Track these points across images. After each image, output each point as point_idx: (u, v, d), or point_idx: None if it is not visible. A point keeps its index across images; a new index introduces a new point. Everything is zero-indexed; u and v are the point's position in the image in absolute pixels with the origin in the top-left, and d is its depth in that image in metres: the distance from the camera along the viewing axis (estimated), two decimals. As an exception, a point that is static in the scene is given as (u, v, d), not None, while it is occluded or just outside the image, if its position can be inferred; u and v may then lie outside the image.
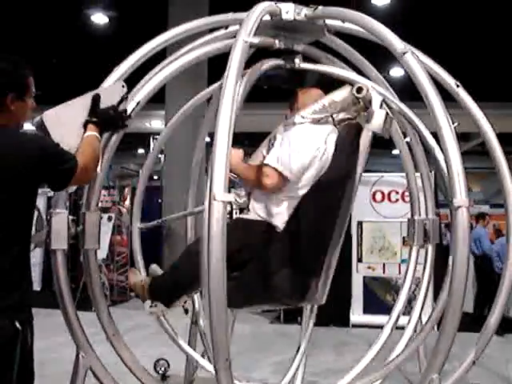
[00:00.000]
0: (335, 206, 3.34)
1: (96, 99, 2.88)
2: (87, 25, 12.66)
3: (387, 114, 3.18)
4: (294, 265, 3.25)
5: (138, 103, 3.07)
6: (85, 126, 2.81)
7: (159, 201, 12.02)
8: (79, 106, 2.90)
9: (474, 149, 20.69)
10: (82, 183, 2.96)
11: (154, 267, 3.76)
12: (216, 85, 3.68)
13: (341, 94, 3.37)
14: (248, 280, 3.25)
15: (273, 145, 3.41)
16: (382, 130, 3.18)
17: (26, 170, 2.43)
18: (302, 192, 3.30)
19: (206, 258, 2.43)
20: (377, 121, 3.18)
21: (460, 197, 2.71)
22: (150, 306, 3.55)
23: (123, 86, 3.03)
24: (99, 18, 12.61)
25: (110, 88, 3.06)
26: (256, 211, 3.36)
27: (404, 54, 2.88)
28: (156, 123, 16.55)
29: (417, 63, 2.88)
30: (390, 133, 3.37)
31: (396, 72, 13.57)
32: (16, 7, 11.03)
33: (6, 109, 2.51)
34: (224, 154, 2.44)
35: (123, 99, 3.00)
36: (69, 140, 2.77)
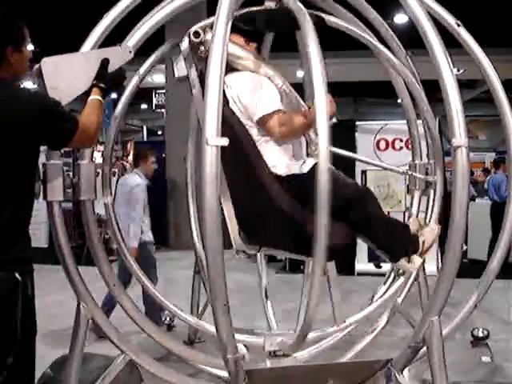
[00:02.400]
0: None
1: (104, 64, 2.87)
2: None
3: None
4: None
5: (130, 51, 3.02)
6: (90, 88, 2.81)
7: (163, 155, 12.00)
8: (80, 62, 2.87)
9: (480, 96, 20.54)
10: (81, 146, 2.94)
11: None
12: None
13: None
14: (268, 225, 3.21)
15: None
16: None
17: (26, 124, 2.42)
18: None
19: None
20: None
21: (459, 137, 2.67)
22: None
23: (130, 52, 3.01)
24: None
25: (116, 50, 3.01)
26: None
27: (401, -12, 2.80)
28: (158, 77, 16.39)
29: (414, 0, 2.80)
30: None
31: (400, 19, 13.30)
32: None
33: (6, 62, 2.51)
34: (216, 97, 2.40)
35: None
36: (62, 92, 2.75)
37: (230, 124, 3.03)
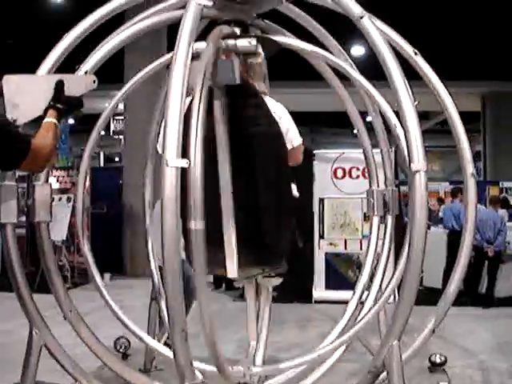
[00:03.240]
0: None
1: (59, 85, 2.80)
2: (43, 3, 12.36)
3: None
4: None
5: (86, 72, 3.01)
6: (46, 110, 2.74)
7: (120, 182, 11.89)
8: (42, 84, 2.83)
9: (433, 128, 21.01)
10: (33, 168, 2.79)
11: None
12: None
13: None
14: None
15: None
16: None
17: None
18: None
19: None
20: None
21: (418, 161, 2.70)
22: None
23: (94, 82, 2.96)
24: (55, -4, 12.32)
25: (80, 78, 3.02)
26: None
27: (361, 18, 2.86)
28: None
29: (374, 28, 2.85)
30: None
31: (357, 51, 13.56)
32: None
33: None
34: (176, 118, 2.38)
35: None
36: (20, 112, 2.71)
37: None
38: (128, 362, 4.96)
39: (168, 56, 3.81)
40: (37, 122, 2.82)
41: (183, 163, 2.38)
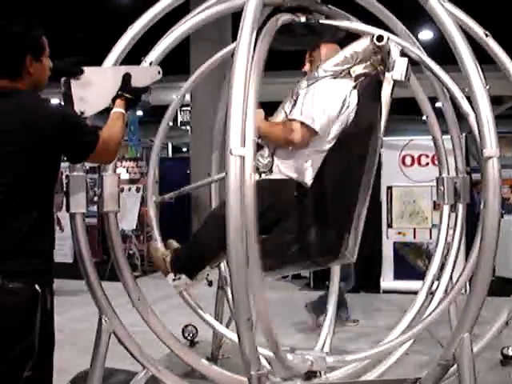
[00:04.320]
0: (361, 159, 3.27)
1: (126, 77, 2.87)
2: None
3: (408, 62, 3.10)
4: (325, 221, 3.20)
5: (150, 63, 3.04)
6: (113, 100, 2.81)
7: (188, 172, 12.02)
8: (109, 76, 2.89)
9: (506, 113, 20.30)
10: (102, 160, 2.88)
11: (171, 242, 3.63)
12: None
13: (361, 44, 3.27)
14: (280, 241, 3.20)
15: (295, 101, 3.32)
16: (404, 78, 3.11)
17: (45, 137, 2.39)
18: (329, 146, 3.25)
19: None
20: (399, 69, 3.11)
21: (490, 147, 2.61)
22: (173, 280, 3.40)
23: (159, 73, 3.01)
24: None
25: (145, 69, 3.05)
26: (281, 170, 3.29)
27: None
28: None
29: (443, 9, 2.76)
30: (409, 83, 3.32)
31: (425, 35, 13.25)
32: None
33: (25, 72, 2.48)
34: (240, 108, 2.38)
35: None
36: (88, 104, 2.78)
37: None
38: (195, 349, 5.01)
39: (233, 45, 3.84)
40: (104, 114, 2.89)
41: (247, 152, 2.37)
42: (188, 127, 16.34)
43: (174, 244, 3.58)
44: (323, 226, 3.18)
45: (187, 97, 12.70)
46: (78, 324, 6.33)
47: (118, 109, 2.78)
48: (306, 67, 3.55)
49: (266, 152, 3.33)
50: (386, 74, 3.16)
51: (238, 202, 2.34)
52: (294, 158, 3.26)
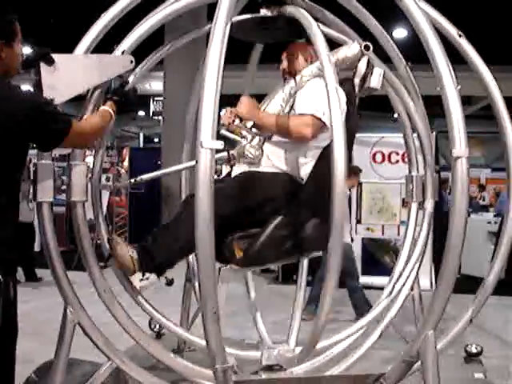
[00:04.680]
0: (348, 155, 3.30)
1: (123, 84, 3.01)
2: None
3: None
4: (319, 214, 3.20)
5: (122, 52, 3.02)
6: (104, 102, 2.88)
7: (159, 163, 11.96)
8: (80, 64, 2.88)
9: (476, 113, 20.57)
10: (76, 147, 2.92)
11: (116, 238, 3.36)
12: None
13: (352, 51, 3.35)
14: (274, 236, 3.19)
15: (291, 95, 3.35)
16: (380, 87, 3.36)
17: (13, 123, 2.36)
18: (326, 143, 3.20)
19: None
20: (376, 77, 3.35)
21: (459, 147, 2.63)
22: (141, 280, 3.26)
23: (131, 62, 3.02)
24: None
25: (117, 58, 3.03)
26: (274, 163, 3.31)
27: (403, -3, 2.77)
28: (156, 85, 16.36)
29: (417, 8, 2.77)
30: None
31: (399, 33, 13.33)
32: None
33: None
34: (212, 101, 2.35)
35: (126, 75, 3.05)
36: (57, 92, 2.75)
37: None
38: (161, 341, 4.99)
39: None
40: (77, 101, 2.87)
41: (218, 145, 2.36)
42: (160, 117, 16.27)
43: (120, 240, 3.32)
44: (319, 220, 3.19)
45: (160, 87, 12.63)
46: (42, 314, 6.27)
47: (106, 107, 2.85)
48: (284, 65, 3.57)
49: (255, 143, 3.32)
50: (357, 80, 3.35)
51: (208, 195, 2.33)
52: (290, 152, 3.29)
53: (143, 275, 3.23)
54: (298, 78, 3.41)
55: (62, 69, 2.79)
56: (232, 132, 3.49)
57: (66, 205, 8.20)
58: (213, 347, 2.54)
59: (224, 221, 2.99)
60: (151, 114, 19.37)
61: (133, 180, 4.13)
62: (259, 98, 3.57)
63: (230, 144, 3.40)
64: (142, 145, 25.38)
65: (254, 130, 3.32)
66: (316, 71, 3.34)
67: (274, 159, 3.31)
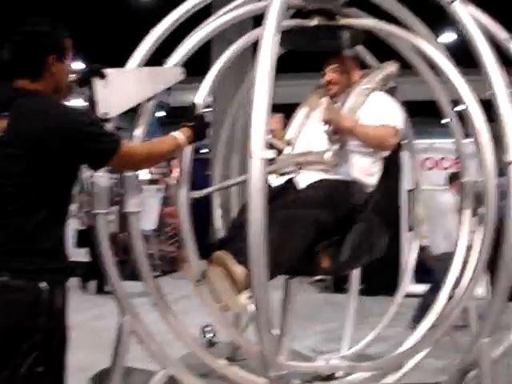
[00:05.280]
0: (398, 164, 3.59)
1: (192, 107, 3.04)
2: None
3: None
4: (386, 221, 3.35)
5: (182, 72, 3.10)
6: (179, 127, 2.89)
7: (207, 173, 12.03)
8: (132, 77, 2.93)
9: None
10: (125, 168, 2.90)
11: (222, 254, 3.00)
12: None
13: (393, 67, 3.54)
14: (358, 242, 3.25)
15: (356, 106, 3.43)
16: None
17: (60, 143, 2.35)
18: (387, 153, 3.43)
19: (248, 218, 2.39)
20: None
21: (512, 152, 2.59)
22: (249, 297, 2.83)
23: (182, 73, 3.08)
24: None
25: (168, 69, 3.09)
26: (348, 171, 3.37)
27: (452, 2, 2.75)
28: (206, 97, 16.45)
29: (466, 12, 2.74)
30: None
31: (445, 38, 13.11)
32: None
33: (47, 71, 2.48)
34: (263, 109, 2.38)
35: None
36: (111, 105, 2.81)
37: None
38: (214, 350, 5.03)
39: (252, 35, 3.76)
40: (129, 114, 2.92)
41: (269, 154, 2.38)
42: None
43: (227, 256, 2.95)
44: (386, 227, 3.35)
45: (210, 98, 12.72)
46: (94, 323, 6.39)
47: (175, 134, 2.84)
48: (330, 77, 3.59)
49: (334, 150, 3.36)
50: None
51: (260, 205, 2.34)
52: (364, 161, 3.36)
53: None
54: (357, 89, 3.46)
55: (115, 83, 2.84)
56: (277, 138, 3.54)
57: (119, 216, 8.39)
58: (267, 355, 2.55)
59: (319, 231, 3.06)
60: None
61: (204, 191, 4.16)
62: (280, 107, 3.58)
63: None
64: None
65: (335, 136, 3.35)
66: (374, 85, 3.46)
67: (348, 167, 3.35)
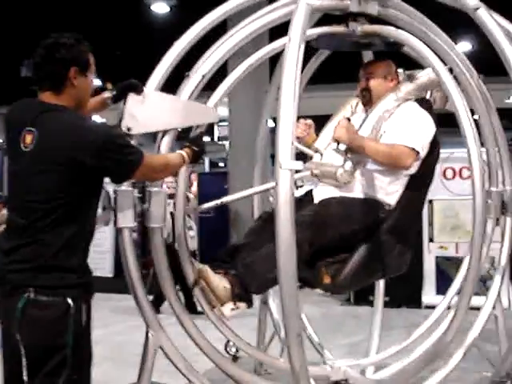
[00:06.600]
0: (429, 181, 3.51)
1: (201, 136, 3.07)
2: (148, 14, 12.73)
3: None
4: (403, 241, 3.32)
5: (203, 76, 3.06)
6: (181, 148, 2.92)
7: (225, 187, 12.04)
8: (166, 104, 2.95)
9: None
10: (145, 179, 2.98)
11: (205, 268, 3.18)
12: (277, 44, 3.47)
13: (434, 75, 3.36)
14: (364, 261, 3.23)
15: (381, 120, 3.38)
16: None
17: (84, 158, 2.37)
18: (414, 171, 3.33)
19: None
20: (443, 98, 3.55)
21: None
22: (232, 309, 3.13)
23: (217, 117, 3.15)
24: (160, 8, 12.62)
25: (205, 108, 3.10)
26: (364, 189, 3.33)
27: (477, 9, 2.73)
28: (220, 110, 16.54)
29: (491, 18, 2.72)
30: None
31: (461, 47, 13.10)
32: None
33: (69, 83, 2.48)
34: (290, 121, 2.37)
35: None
36: (137, 123, 2.83)
37: None
38: (238, 364, 4.99)
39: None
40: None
41: (297, 165, 2.36)
42: (225, 142, 16.42)
43: (209, 270, 3.14)
44: (403, 246, 3.31)
45: (225, 112, 12.74)
46: (121, 337, 6.37)
47: (183, 152, 2.88)
48: (364, 84, 3.56)
49: (348, 167, 3.30)
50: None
51: (289, 216, 2.32)
52: (382, 180, 3.30)
53: (234, 304, 3.13)
54: (385, 100, 3.41)
55: (149, 104, 2.87)
56: (306, 145, 3.52)
57: (139, 230, 8.40)
58: (297, 370, 2.52)
59: (318, 248, 3.03)
60: (216, 138, 19.57)
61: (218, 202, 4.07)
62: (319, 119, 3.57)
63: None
64: (207, 169, 25.65)
65: (348, 154, 3.29)
66: (405, 95, 3.40)
67: (364, 185, 3.32)
